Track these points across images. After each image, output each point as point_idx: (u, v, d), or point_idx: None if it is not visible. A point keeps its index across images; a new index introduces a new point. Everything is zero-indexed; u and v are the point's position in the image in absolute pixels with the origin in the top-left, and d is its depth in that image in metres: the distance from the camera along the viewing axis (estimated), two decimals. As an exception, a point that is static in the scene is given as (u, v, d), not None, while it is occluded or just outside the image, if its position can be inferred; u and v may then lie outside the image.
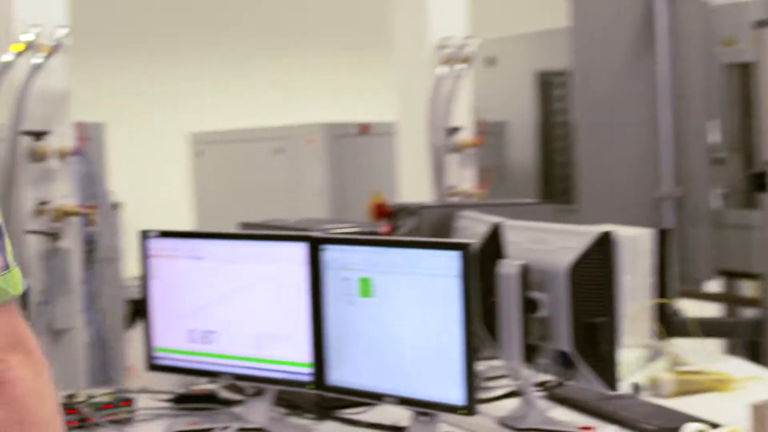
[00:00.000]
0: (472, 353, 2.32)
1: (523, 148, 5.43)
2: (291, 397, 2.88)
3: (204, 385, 3.02)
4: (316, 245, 2.59)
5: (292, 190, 5.46)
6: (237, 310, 2.78)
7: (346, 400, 2.67)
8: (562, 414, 2.71)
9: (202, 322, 2.84)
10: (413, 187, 4.59)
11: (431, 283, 2.36)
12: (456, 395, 2.34)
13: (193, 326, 2.85)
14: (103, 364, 3.69)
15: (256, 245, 2.75)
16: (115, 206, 6.84)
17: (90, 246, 3.48)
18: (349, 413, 2.80)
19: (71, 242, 3.47)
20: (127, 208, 6.65)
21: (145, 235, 2.93)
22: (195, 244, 2.85)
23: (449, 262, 2.33)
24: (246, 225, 3.38)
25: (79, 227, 3.49)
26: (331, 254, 2.56)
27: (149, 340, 2.94)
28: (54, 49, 3.41)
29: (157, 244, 2.91)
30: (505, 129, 5.47)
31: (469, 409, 2.33)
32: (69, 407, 2.87)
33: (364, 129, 5.29)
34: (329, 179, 5.22)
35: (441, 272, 2.34)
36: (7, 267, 1.32)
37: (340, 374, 2.58)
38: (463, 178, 4.50)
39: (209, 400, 2.98)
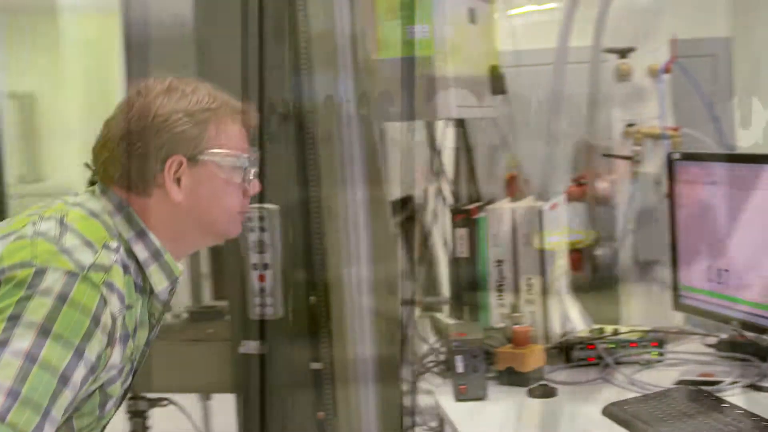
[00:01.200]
0: None
1: None
2: None
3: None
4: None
5: None
6: (745, 245, 2.35)
7: None
8: None
9: (717, 259, 2.45)
10: None
11: None
12: None
13: (710, 263, 2.47)
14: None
15: (760, 169, 2.29)
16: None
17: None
18: None
19: (653, 167, 3.21)
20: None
21: (670, 158, 2.60)
22: (712, 168, 2.46)
23: None
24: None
25: (664, 151, 3.21)
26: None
27: (676, 276, 2.62)
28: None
29: (682, 168, 2.57)
30: None
31: None
32: (589, 342, 2.67)
33: None
34: None
35: None
36: None
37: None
38: None
39: (750, 350, 2.56)
